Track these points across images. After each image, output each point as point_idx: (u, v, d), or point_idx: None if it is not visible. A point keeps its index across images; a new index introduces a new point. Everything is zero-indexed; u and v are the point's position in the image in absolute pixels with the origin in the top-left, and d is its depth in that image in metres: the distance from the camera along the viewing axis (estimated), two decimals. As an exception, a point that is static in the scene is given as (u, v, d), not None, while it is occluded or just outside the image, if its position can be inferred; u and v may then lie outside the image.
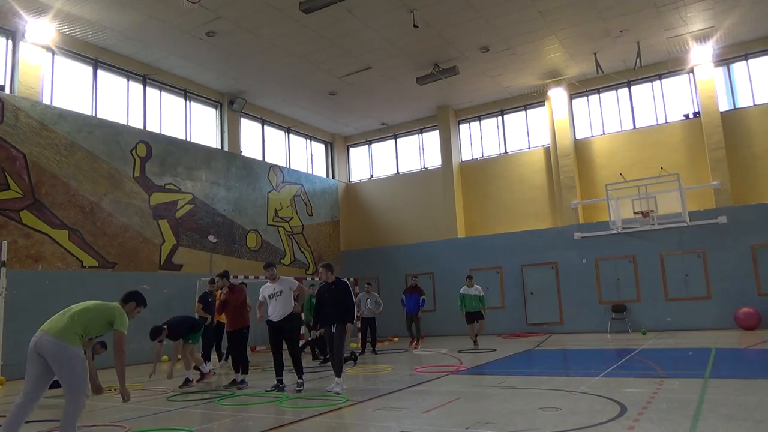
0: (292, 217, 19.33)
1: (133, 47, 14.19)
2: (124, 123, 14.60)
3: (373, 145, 22.03)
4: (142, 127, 15.04)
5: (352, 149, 22.48)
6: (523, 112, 19.26)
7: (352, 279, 18.50)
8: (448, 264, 18.95)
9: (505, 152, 19.40)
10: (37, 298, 11.62)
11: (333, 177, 21.78)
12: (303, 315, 11.47)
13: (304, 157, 20.88)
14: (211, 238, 16.04)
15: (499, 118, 19.64)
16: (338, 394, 7.24)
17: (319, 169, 21.43)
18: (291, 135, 20.24)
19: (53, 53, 13.32)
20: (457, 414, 5.84)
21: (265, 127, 19.20)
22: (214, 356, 11.40)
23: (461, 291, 13.58)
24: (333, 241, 21.02)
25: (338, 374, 7.61)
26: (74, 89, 13.83)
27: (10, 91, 12.40)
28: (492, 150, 19.72)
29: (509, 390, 7.14)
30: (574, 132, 18.18)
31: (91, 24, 12.98)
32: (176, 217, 15.25)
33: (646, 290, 16.00)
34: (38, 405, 4.69)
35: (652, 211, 15.17)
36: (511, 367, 9.88)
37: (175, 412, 6.84)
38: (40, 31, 12.65)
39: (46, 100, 13.01)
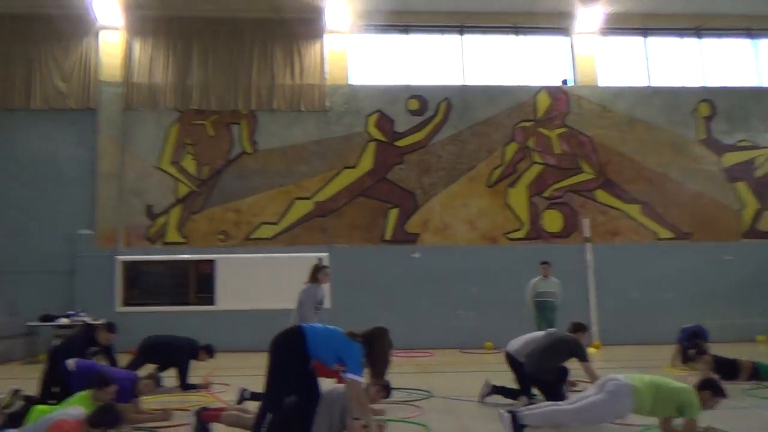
0: None
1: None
2: (680, 85, 13.77)
3: None
4: (700, 85, 13.84)
5: None
6: None
7: None
8: None
9: None
10: (615, 270, 12.32)
11: None
12: None
13: None
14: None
15: None
16: None
17: None
18: None
19: (602, 36, 13.79)
20: None
21: None
22: None
23: None
24: None
25: None
26: (627, 65, 13.93)
27: (575, 83, 13.54)
28: None
29: None
30: None
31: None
32: (755, 176, 13.31)
33: None
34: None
35: None
36: None
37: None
38: (588, 19, 13.31)
39: (602, 83, 13.59)
